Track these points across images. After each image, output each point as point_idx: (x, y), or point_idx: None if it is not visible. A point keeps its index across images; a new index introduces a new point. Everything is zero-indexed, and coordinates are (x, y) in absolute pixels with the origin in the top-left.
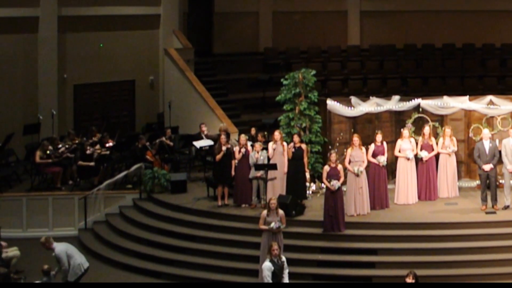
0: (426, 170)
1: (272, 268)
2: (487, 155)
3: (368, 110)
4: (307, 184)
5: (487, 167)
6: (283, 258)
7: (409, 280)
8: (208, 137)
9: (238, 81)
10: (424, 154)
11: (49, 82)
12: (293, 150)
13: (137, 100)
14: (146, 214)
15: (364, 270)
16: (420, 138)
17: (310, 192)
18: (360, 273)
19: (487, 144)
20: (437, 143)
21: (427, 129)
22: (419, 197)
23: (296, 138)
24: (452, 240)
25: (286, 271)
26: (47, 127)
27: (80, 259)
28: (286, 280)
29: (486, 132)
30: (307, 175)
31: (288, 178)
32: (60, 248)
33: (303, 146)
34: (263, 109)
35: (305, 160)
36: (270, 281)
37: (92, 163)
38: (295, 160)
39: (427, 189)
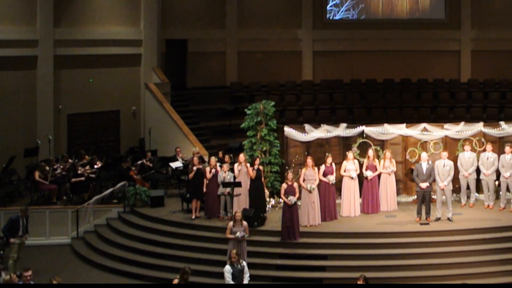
0: (370, 187)
1: (231, 270)
2: (424, 175)
3: (320, 135)
4: (267, 199)
5: (424, 185)
6: (243, 263)
7: (360, 282)
8: (184, 161)
9: (208, 111)
10: (369, 174)
11: (46, 111)
12: (254, 171)
13: (122, 127)
14: (130, 225)
15: (316, 273)
16: (365, 160)
17: (270, 206)
18: (312, 276)
19: (424, 165)
20: (379, 164)
21: (371, 152)
22: (364, 211)
23: (256, 161)
24: (391, 247)
25: (246, 275)
26: (45, 151)
27: None
28: (246, 281)
29: (424, 155)
30: (267, 192)
31: (250, 195)
32: None
33: (261, 167)
34: (229, 135)
35: (262, 179)
36: (231, 281)
37: (83, 178)
38: (256, 180)
39: (371, 203)
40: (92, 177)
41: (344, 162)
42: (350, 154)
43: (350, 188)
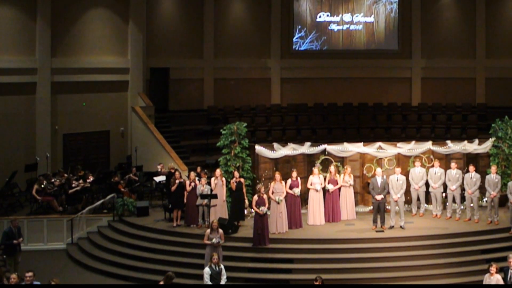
0: (332, 199)
1: (210, 272)
2: (379, 188)
3: (287, 153)
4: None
5: (379, 197)
6: (221, 266)
7: (317, 283)
8: (162, 173)
9: (187, 131)
10: (331, 187)
11: (44, 132)
12: (235, 183)
13: (111, 146)
14: (118, 232)
15: (283, 275)
16: (327, 175)
17: None
18: (280, 277)
19: (379, 180)
20: (339, 178)
21: (332, 168)
22: (326, 220)
23: (236, 174)
24: (350, 252)
25: (223, 277)
26: (43, 166)
27: None
28: (223, 282)
29: (378, 171)
30: (246, 202)
31: (232, 204)
32: None
33: (242, 180)
34: (206, 152)
35: (244, 190)
36: (209, 282)
37: (79, 188)
38: (237, 191)
39: (332, 213)
40: (86, 188)
41: (311, 177)
42: (315, 170)
43: (316, 200)
